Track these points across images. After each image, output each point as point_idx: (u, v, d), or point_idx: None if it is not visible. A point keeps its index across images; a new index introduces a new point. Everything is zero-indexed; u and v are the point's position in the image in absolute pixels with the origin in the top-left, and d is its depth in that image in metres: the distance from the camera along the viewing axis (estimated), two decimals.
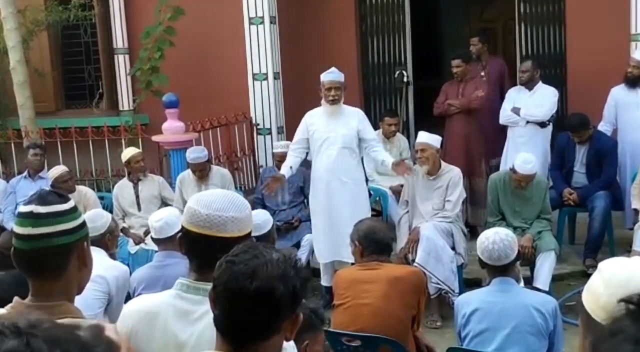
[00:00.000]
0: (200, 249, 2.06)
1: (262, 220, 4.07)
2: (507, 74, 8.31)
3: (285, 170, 5.91)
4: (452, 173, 6.15)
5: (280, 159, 6.83)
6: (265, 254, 1.69)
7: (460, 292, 5.44)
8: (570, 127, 6.84)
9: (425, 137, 6.14)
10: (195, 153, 6.69)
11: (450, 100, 7.32)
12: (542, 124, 7.22)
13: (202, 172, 6.67)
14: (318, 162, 6.02)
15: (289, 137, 7.71)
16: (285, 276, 1.66)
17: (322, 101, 5.97)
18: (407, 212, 6.27)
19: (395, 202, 6.93)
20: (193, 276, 2.08)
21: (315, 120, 6.01)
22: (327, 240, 5.97)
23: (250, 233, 2.14)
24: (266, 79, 8.01)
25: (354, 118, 5.96)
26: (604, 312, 1.46)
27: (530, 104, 7.18)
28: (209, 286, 1.74)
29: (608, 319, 1.31)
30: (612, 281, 1.51)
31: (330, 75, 5.96)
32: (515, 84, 7.70)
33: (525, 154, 6.25)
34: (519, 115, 7.20)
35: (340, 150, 5.92)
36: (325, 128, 5.96)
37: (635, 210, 6.47)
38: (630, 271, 1.53)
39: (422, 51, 9.97)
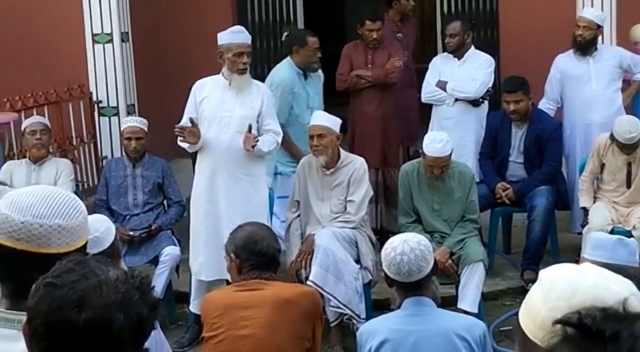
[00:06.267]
0: (15, 269, 2.02)
1: (100, 232, 3.85)
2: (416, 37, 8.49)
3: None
4: (355, 165, 6.21)
5: (129, 136, 6.73)
6: (99, 273, 1.67)
7: (368, 318, 5.55)
8: (506, 86, 7.00)
9: (322, 119, 6.20)
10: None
11: (360, 71, 7.40)
12: (475, 102, 7.35)
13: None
14: (205, 151, 6.02)
15: None
16: (126, 302, 1.64)
17: (224, 70, 5.99)
18: (299, 216, 6.33)
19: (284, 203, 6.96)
20: (5, 303, 2.05)
21: (207, 93, 6.02)
22: (210, 254, 5.96)
23: (85, 246, 2.11)
24: (111, 41, 7.91)
25: (258, 97, 6.02)
26: (542, 331, 1.50)
27: (459, 77, 7.34)
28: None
29: (545, 342, 1.36)
30: (552, 292, 1.55)
31: (241, 37, 6.00)
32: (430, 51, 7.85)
33: (435, 132, 6.40)
34: (445, 91, 7.34)
35: (235, 136, 5.93)
36: (219, 105, 5.98)
37: (584, 209, 6.74)
38: (574, 280, 1.56)
39: (317, 7, 10.04)
